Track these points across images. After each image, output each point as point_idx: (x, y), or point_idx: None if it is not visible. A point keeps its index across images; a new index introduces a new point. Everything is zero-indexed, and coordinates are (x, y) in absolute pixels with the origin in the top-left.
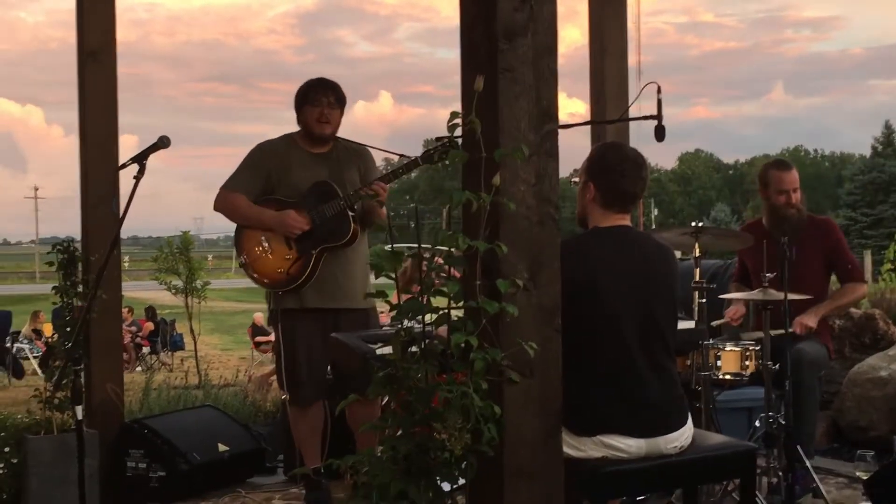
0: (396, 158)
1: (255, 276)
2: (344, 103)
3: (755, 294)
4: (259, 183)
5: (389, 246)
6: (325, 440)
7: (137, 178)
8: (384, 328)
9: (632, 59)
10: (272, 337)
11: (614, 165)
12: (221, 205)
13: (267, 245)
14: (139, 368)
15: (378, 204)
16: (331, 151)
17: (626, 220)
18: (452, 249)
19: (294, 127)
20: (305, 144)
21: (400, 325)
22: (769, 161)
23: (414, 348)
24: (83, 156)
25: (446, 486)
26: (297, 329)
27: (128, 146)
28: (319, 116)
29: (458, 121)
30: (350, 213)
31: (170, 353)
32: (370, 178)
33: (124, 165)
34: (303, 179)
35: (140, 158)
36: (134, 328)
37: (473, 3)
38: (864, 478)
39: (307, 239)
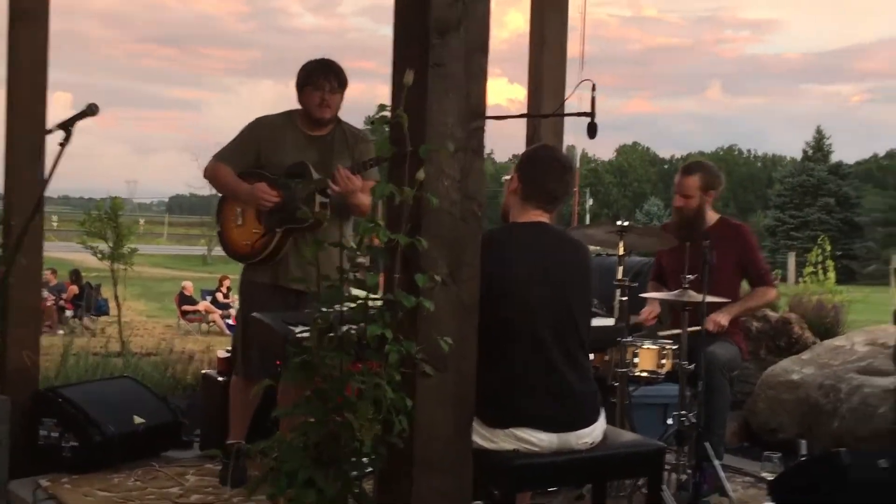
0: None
1: (226, 246)
2: (345, 86)
3: (674, 295)
4: (247, 157)
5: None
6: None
7: (63, 144)
8: None
9: (576, 50)
10: (199, 307)
11: (542, 162)
12: (208, 173)
13: (241, 218)
14: (61, 332)
15: (341, 193)
16: (328, 135)
17: (544, 218)
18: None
19: (233, 95)
20: (304, 125)
21: (318, 312)
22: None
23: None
24: (9, 119)
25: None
26: (259, 302)
27: (63, 103)
28: (320, 101)
29: (386, 114)
30: (320, 198)
31: (94, 317)
32: (370, 176)
33: (50, 131)
34: (290, 159)
35: (67, 125)
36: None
37: None
38: (770, 478)
39: (275, 217)
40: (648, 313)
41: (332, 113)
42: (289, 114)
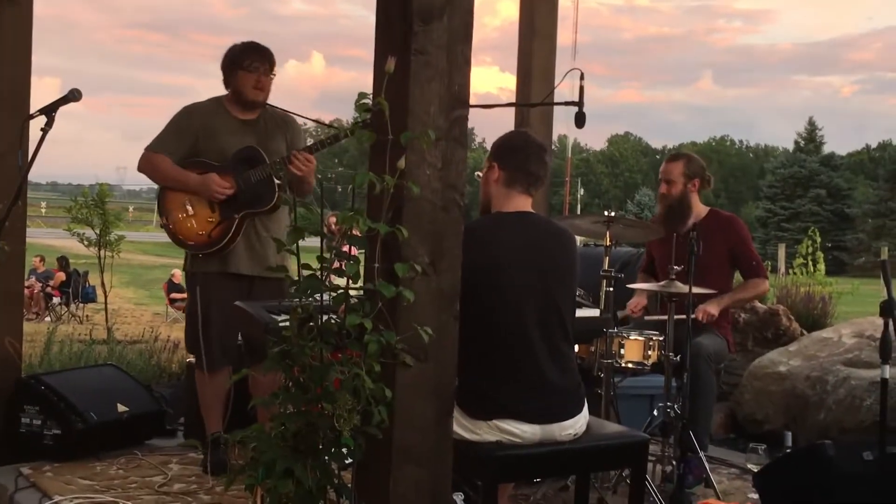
0: (327, 122)
1: (178, 238)
2: (274, 71)
3: (661, 286)
4: (185, 146)
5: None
6: (227, 405)
7: (45, 130)
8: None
9: (568, 39)
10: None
11: (520, 147)
12: (145, 165)
13: (190, 208)
14: (48, 319)
15: (300, 176)
16: (258, 119)
17: (527, 206)
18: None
19: (219, 81)
20: (234, 110)
21: (298, 301)
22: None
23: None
24: None
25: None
26: (212, 293)
27: (51, 88)
28: (256, 83)
29: (368, 101)
30: (275, 181)
31: (81, 304)
32: (296, 147)
33: (32, 116)
34: (230, 145)
35: (49, 110)
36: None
37: None
38: (755, 470)
39: (231, 203)
40: (635, 305)
41: (265, 96)
42: (217, 100)
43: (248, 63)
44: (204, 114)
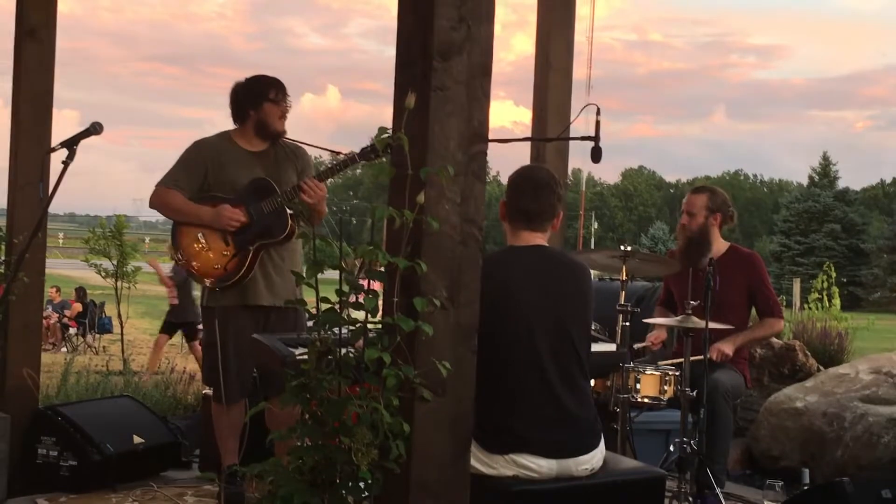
0: (340, 154)
1: (193, 273)
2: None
3: (677, 321)
4: (196, 180)
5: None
6: (243, 437)
7: (66, 163)
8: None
9: (582, 73)
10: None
11: (517, 184)
12: (157, 200)
13: (204, 241)
14: (64, 349)
15: (312, 204)
16: (268, 150)
17: (540, 240)
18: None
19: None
20: (242, 142)
21: (316, 335)
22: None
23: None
24: (14, 136)
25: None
26: (230, 326)
27: (69, 121)
28: (282, 114)
29: (388, 135)
30: (288, 210)
31: (97, 335)
32: (307, 177)
33: (54, 149)
34: (240, 177)
35: (70, 143)
36: (60, 309)
37: (411, 19)
38: None
39: (244, 235)
40: (655, 337)
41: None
42: (223, 134)
43: (273, 95)
44: (214, 147)
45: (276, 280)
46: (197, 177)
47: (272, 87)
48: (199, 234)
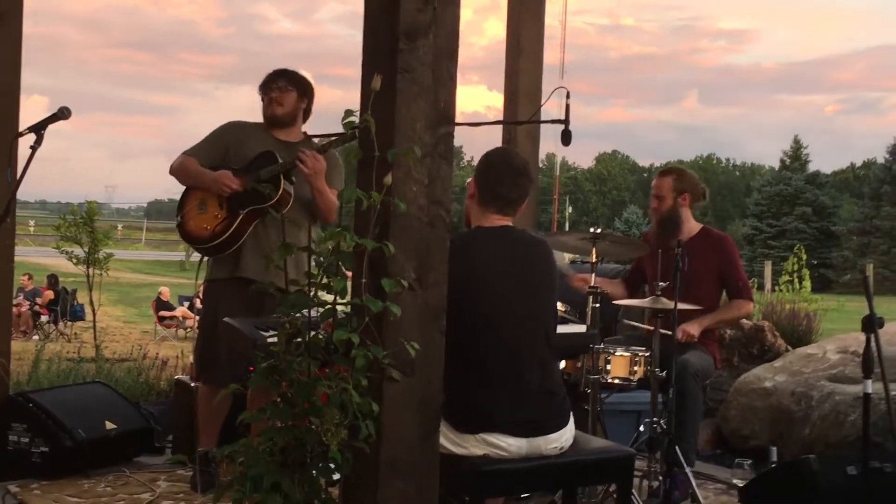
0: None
1: (183, 232)
2: (300, 87)
3: (646, 302)
4: (216, 154)
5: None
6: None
7: (34, 147)
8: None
9: (555, 58)
10: (176, 312)
11: (495, 168)
12: (176, 165)
13: (203, 204)
14: (36, 337)
15: (309, 175)
16: (300, 143)
17: (506, 221)
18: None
19: (210, 100)
20: (275, 130)
21: (286, 317)
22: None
23: (299, 339)
24: None
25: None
26: (221, 303)
27: (39, 106)
28: (269, 102)
29: (354, 118)
30: (285, 183)
31: (69, 322)
32: (332, 183)
33: (21, 134)
34: (255, 152)
35: (38, 128)
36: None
37: (377, 1)
38: (741, 485)
39: (238, 200)
40: (581, 279)
41: (284, 110)
42: (261, 122)
43: (262, 87)
44: (243, 128)
45: (270, 255)
46: (216, 151)
47: (263, 81)
48: (202, 197)
